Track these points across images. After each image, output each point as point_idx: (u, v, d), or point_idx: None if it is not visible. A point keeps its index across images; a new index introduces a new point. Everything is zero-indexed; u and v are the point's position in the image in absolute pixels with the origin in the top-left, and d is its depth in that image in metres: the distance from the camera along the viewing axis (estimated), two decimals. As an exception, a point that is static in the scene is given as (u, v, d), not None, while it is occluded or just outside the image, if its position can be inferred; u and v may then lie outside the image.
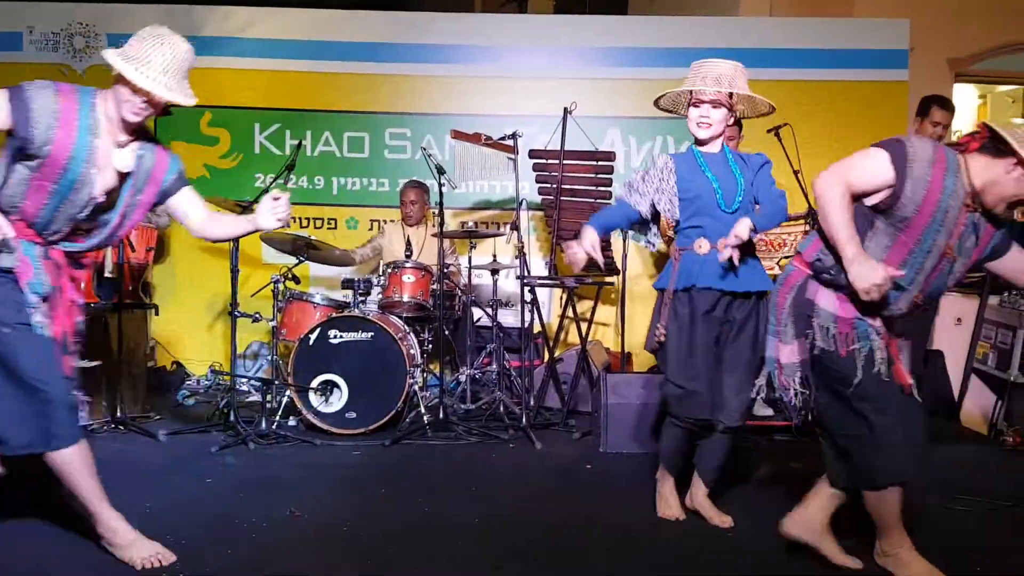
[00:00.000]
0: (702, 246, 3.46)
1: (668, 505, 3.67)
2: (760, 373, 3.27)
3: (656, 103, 3.76)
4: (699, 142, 3.59)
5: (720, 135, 3.57)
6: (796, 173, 5.34)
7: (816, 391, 3.05)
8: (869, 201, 2.87)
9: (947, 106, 5.55)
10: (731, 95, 3.49)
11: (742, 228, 3.29)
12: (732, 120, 3.60)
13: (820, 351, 2.95)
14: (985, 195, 2.81)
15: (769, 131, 5.47)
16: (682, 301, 3.49)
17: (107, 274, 5.49)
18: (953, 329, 6.35)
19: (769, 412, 5.59)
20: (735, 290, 3.46)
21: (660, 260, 6.45)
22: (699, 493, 3.67)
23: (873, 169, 2.82)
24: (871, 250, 2.85)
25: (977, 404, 6.03)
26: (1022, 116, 9.03)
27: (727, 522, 3.57)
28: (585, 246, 3.49)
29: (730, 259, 3.35)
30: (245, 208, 4.93)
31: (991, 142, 2.79)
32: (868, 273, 2.73)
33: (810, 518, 3.15)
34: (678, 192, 3.51)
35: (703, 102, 3.49)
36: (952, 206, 2.79)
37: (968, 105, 9.21)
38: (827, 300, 2.96)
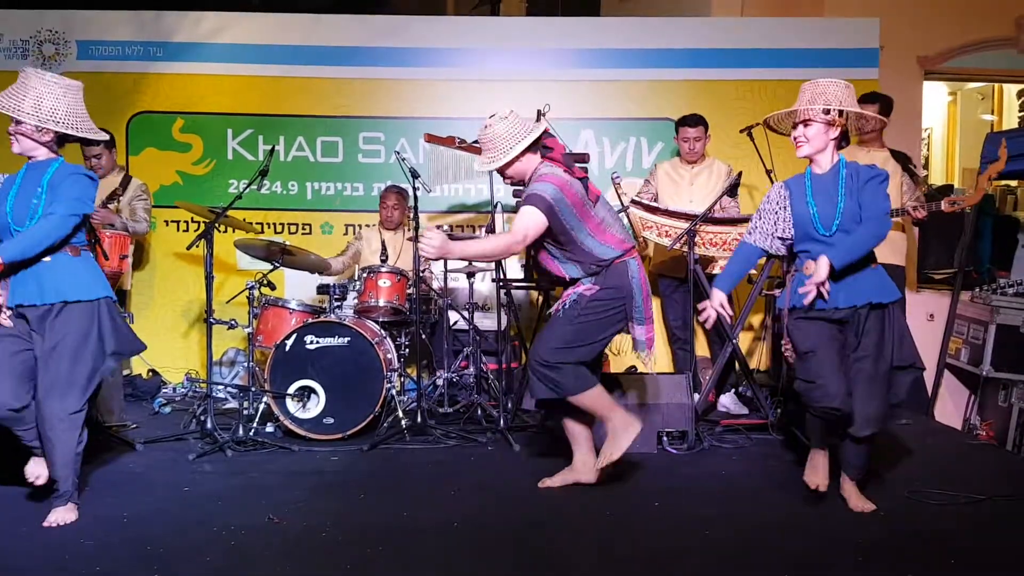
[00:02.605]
0: (809, 268, 3.64)
1: (815, 472, 3.81)
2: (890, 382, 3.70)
3: (766, 123, 4.05)
4: (810, 161, 3.81)
5: (823, 149, 3.75)
6: (768, 172, 5.38)
7: None
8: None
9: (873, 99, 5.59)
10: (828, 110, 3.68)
11: (820, 271, 3.50)
12: (837, 133, 3.76)
13: None
14: None
15: (742, 131, 5.51)
16: (798, 316, 3.73)
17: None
18: (926, 325, 6.43)
19: (744, 411, 5.63)
20: (838, 306, 3.65)
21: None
22: (845, 481, 3.86)
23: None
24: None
25: (950, 399, 6.10)
26: (991, 113, 9.13)
27: (869, 507, 3.75)
28: (714, 304, 3.83)
29: (821, 285, 3.56)
30: (219, 215, 4.91)
31: None
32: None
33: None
34: (792, 220, 3.79)
35: (797, 123, 3.74)
36: None
37: (938, 103, 9.31)
38: None
